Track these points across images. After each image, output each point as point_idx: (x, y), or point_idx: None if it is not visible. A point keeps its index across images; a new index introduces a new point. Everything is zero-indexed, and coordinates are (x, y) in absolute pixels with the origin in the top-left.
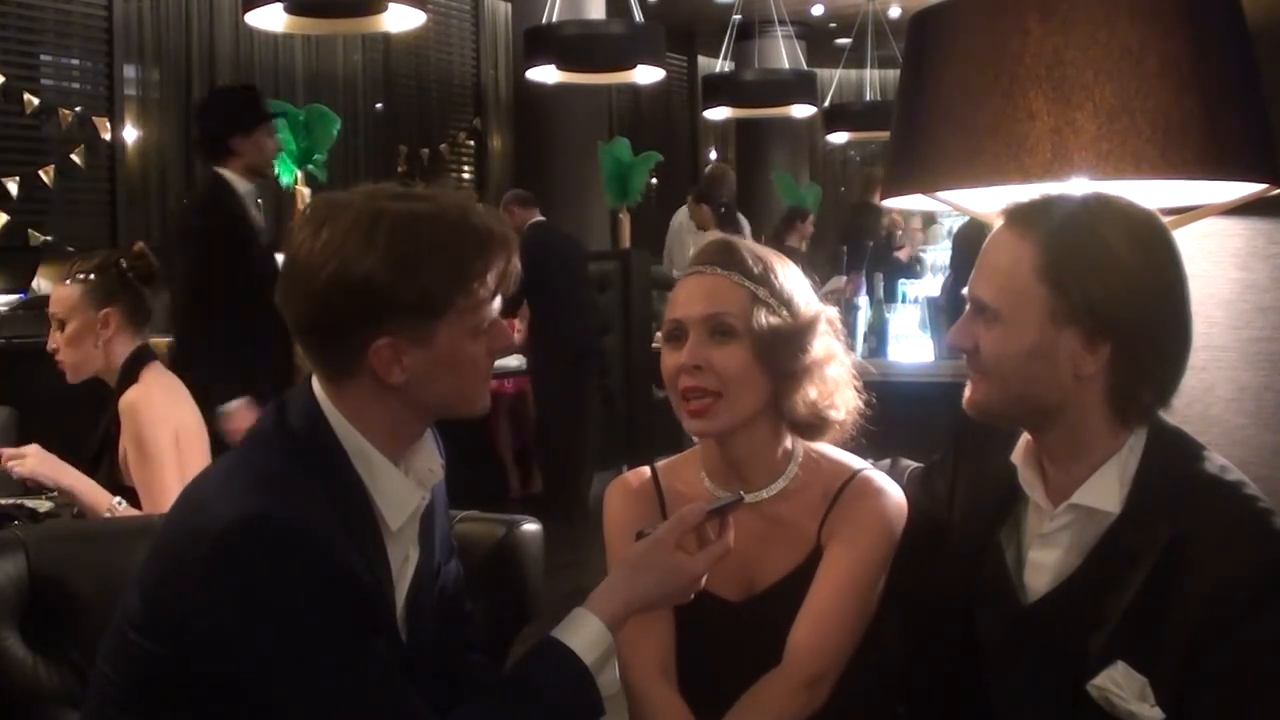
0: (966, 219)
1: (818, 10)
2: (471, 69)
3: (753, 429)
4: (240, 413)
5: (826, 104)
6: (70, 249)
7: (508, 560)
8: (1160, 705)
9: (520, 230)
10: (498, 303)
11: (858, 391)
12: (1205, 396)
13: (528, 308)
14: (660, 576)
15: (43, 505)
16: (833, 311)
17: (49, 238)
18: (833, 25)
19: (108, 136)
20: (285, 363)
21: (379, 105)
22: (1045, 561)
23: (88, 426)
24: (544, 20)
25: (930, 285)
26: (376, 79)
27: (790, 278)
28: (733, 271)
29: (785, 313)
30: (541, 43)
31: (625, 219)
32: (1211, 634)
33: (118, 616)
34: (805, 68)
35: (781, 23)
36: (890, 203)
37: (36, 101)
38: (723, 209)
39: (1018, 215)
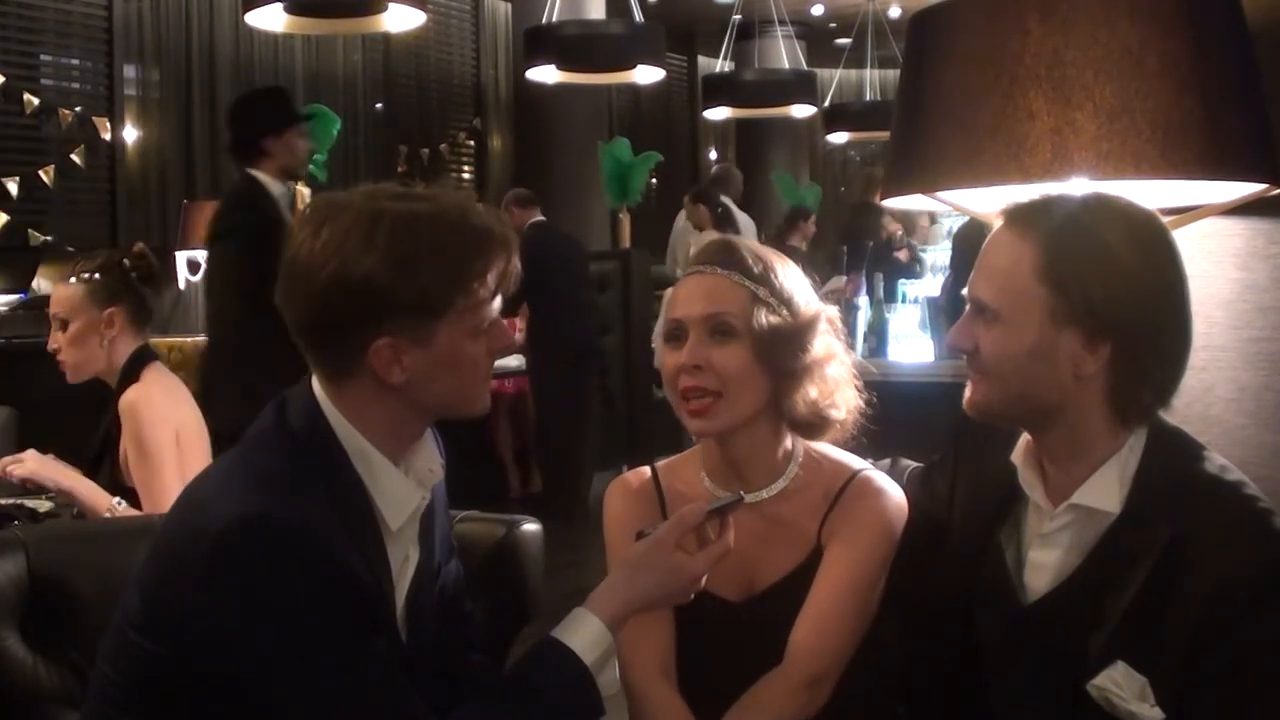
0: (966, 219)
1: (818, 10)
2: (471, 69)
3: (753, 429)
4: None
5: (826, 104)
6: (70, 249)
7: (508, 560)
8: (1160, 705)
9: (520, 230)
10: (498, 303)
11: (858, 390)
12: (1205, 396)
13: (527, 307)
14: (660, 576)
15: (43, 505)
16: (833, 311)
17: (49, 238)
18: (833, 25)
19: (108, 136)
20: None
21: (379, 105)
22: (1045, 561)
23: (88, 427)
24: (544, 20)
25: (930, 285)
26: (376, 79)
27: (790, 277)
28: (733, 271)
29: (785, 312)
30: (541, 43)
31: (625, 219)
32: (1211, 634)
33: (118, 616)
34: (805, 68)
35: (781, 23)
36: (890, 203)
37: (36, 101)
38: (720, 209)
39: (1018, 215)
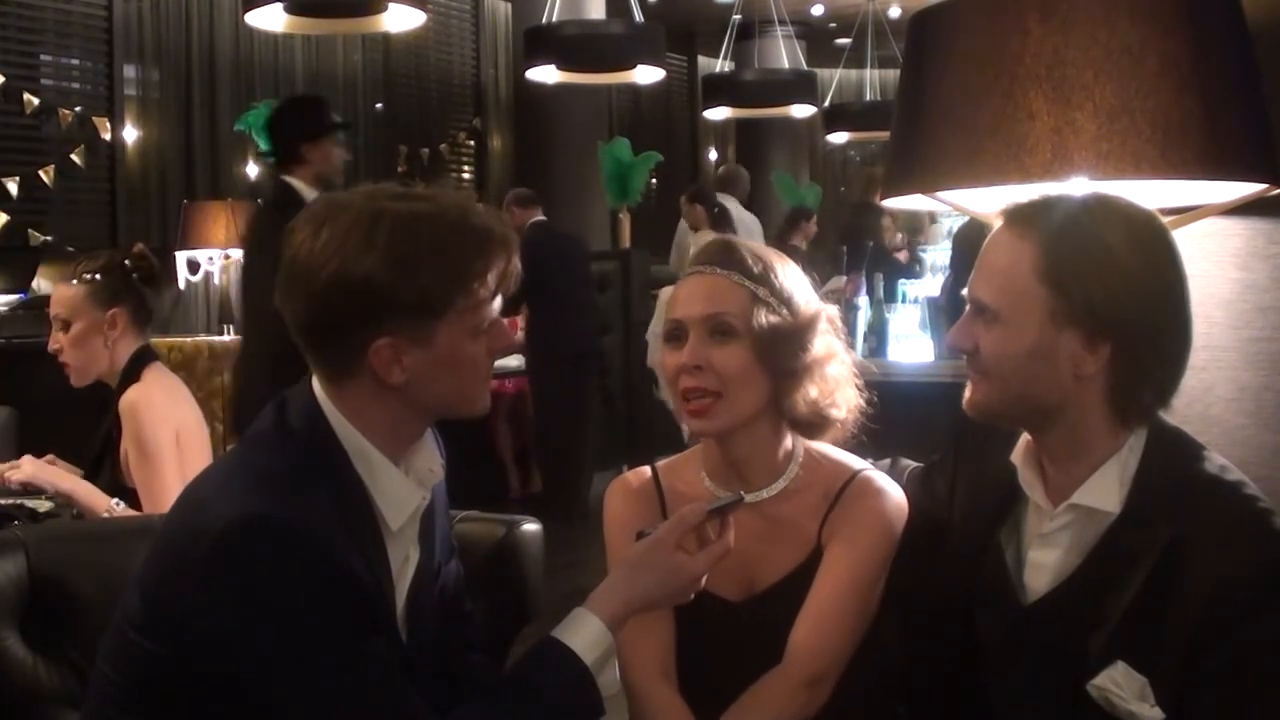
0: (966, 219)
1: (818, 10)
2: (471, 69)
3: (753, 429)
4: None
5: (826, 104)
6: (70, 249)
7: (508, 560)
8: (1160, 705)
9: (520, 230)
10: (498, 303)
11: (858, 389)
12: (1205, 396)
13: (526, 307)
14: (660, 576)
15: (43, 505)
16: (833, 310)
17: (49, 238)
18: (833, 25)
19: (108, 136)
20: None
21: (379, 105)
22: (1045, 561)
23: (88, 427)
24: (544, 20)
25: (930, 285)
26: (376, 79)
27: (790, 276)
28: (732, 271)
29: (785, 311)
30: (541, 43)
31: (625, 219)
32: (1211, 634)
33: (118, 616)
34: (805, 68)
35: (781, 23)
36: (890, 203)
37: (36, 101)
38: (716, 209)
39: (1018, 216)
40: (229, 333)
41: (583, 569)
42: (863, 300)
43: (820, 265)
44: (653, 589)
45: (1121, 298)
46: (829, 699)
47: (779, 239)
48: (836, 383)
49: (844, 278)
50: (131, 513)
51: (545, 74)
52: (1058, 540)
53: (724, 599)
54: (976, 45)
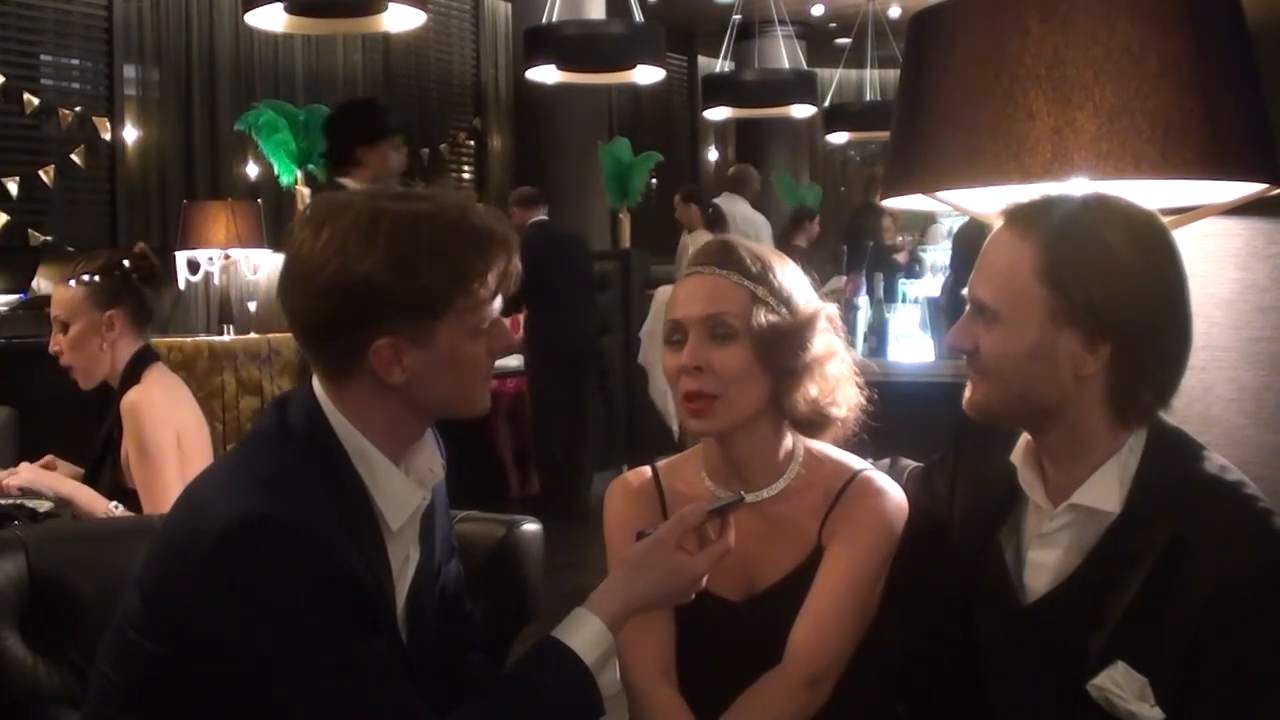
0: (966, 219)
1: (818, 10)
2: (471, 69)
3: (753, 428)
4: None
5: (826, 104)
6: (70, 249)
7: (508, 560)
8: (1160, 705)
9: (521, 229)
10: (498, 303)
11: (859, 388)
12: (1205, 396)
13: (526, 307)
14: (661, 576)
15: (43, 505)
16: (832, 308)
17: (49, 238)
18: (833, 25)
19: (108, 136)
20: None
21: None
22: (1045, 561)
23: (88, 427)
24: (544, 20)
25: (930, 285)
26: (376, 79)
27: (789, 276)
28: (731, 271)
29: (784, 311)
30: (541, 43)
31: (625, 219)
32: (1211, 634)
33: (118, 616)
34: (805, 68)
35: (781, 23)
36: (890, 203)
37: (36, 101)
38: (710, 209)
39: (1018, 215)
40: (229, 333)
41: (583, 569)
42: (863, 300)
43: (820, 265)
44: (653, 589)
45: (1121, 298)
46: (829, 699)
47: (782, 239)
48: (837, 381)
49: (844, 277)
50: (130, 514)
51: (545, 74)
52: (1058, 540)
53: (724, 599)
54: (976, 45)
